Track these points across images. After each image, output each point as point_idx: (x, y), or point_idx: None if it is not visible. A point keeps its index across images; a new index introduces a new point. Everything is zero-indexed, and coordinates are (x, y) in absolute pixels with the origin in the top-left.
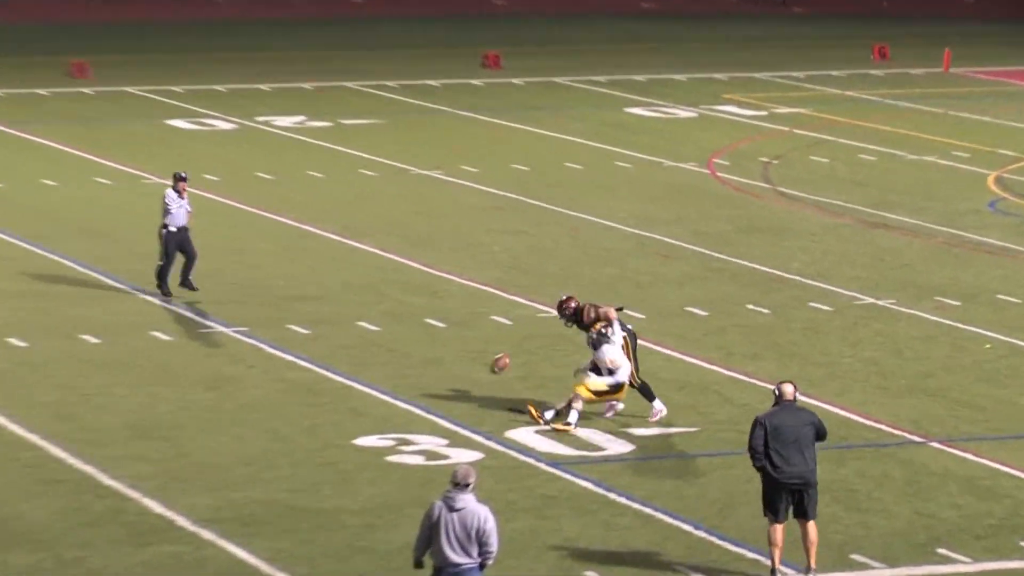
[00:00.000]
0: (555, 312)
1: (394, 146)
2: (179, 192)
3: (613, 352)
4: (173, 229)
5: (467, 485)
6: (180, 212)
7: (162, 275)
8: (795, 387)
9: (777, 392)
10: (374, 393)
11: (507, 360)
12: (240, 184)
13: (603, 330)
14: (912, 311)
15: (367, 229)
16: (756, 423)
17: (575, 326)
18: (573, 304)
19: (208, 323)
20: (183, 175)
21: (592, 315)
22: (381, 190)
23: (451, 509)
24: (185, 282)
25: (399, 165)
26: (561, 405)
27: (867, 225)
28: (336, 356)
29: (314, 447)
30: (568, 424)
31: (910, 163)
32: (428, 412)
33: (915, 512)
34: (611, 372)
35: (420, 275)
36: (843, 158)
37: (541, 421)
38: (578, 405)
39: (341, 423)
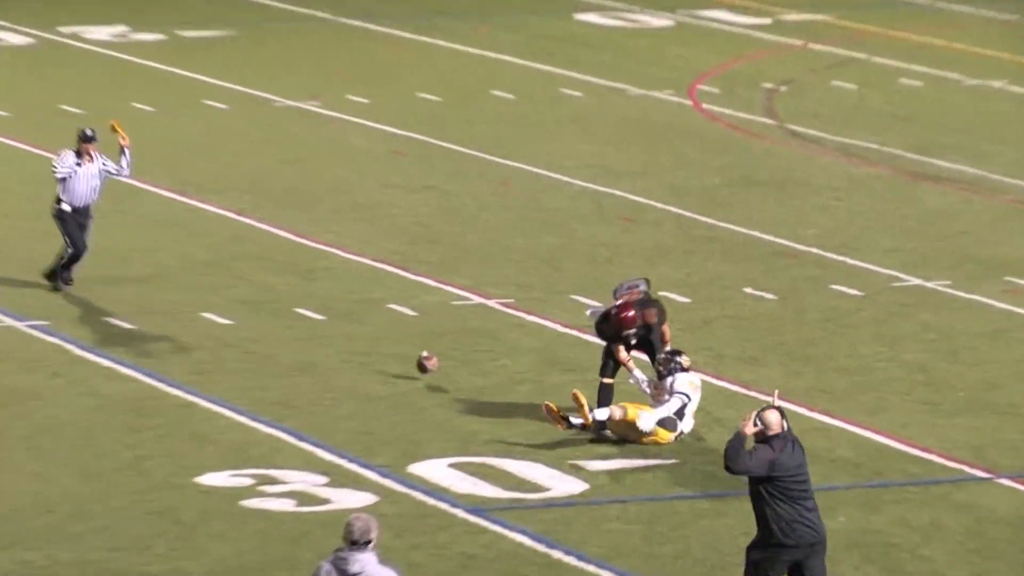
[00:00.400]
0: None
1: (252, 68)
2: (81, 156)
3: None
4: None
5: (367, 543)
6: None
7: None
8: (782, 415)
9: (760, 424)
10: (225, 412)
11: (435, 359)
12: (38, 121)
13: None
14: (973, 296)
15: (214, 184)
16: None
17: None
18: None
19: None
20: (90, 133)
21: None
22: (233, 129)
23: (343, 574)
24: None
25: (259, 94)
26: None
27: (910, 177)
28: (172, 361)
29: (141, 488)
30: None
31: (970, 91)
32: (299, 439)
33: (978, 575)
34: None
35: (288, 247)
36: (877, 84)
37: (562, 426)
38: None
39: (179, 454)
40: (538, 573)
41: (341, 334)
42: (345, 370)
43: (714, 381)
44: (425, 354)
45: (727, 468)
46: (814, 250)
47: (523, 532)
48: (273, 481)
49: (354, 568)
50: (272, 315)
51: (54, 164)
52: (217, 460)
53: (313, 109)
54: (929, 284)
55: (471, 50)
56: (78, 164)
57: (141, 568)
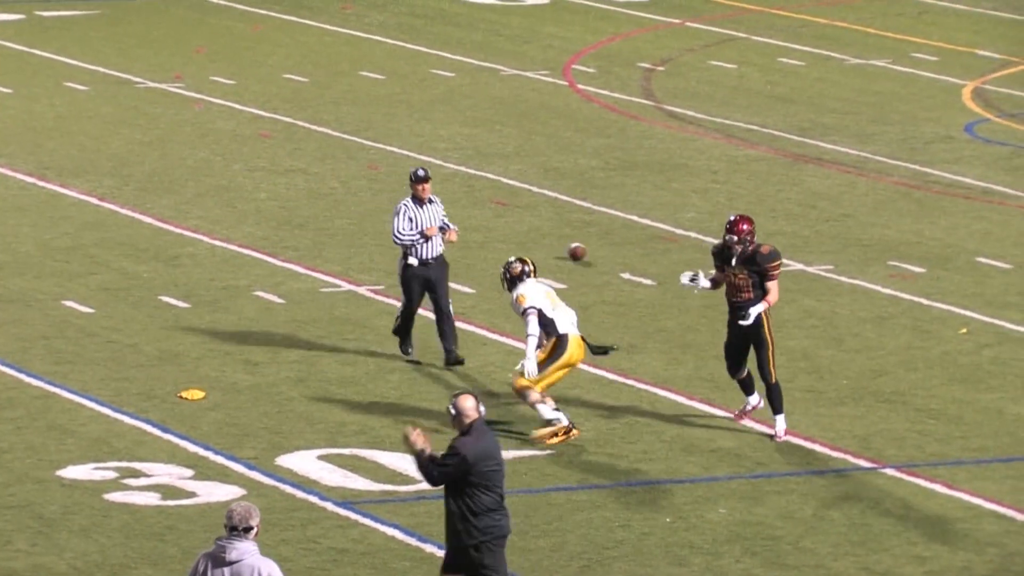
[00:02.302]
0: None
1: (112, 48)
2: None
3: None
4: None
5: (247, 529)
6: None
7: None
8: (478, 400)
9: (453, 411)
10: (86, 403)
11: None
12: None
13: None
14: (857, 281)
15: (74, 167)
16: (456, 453)
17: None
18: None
19: None
20: (422, 172)
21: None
22: (94, 111)
23: (221, 563)
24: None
25: (119, 75)
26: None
27: (792, 158)
28: (30, 351)
29: (0, 482)
30: (559, 428)
31: (853, 69)
32: (164, 430)
33: (862, 568)
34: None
35: (151, 233)
36: (758, 62)
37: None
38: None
39: (40, 447)
40: (410, 567)
41: (206, 322)
42: (210, 359)
43: (591, 370)
44: (574, 245)
45: (431, 485)
46: (693, 234)
47: (395, 526)
48: (137, 474)
49: (231, 556)
50: (135, 303)
51: (398, 231)
52: (79, 453)
53: (175, 90)
54: (812, 269)
55: (338, 29)
56: (419, 209)
57: (1, 564)
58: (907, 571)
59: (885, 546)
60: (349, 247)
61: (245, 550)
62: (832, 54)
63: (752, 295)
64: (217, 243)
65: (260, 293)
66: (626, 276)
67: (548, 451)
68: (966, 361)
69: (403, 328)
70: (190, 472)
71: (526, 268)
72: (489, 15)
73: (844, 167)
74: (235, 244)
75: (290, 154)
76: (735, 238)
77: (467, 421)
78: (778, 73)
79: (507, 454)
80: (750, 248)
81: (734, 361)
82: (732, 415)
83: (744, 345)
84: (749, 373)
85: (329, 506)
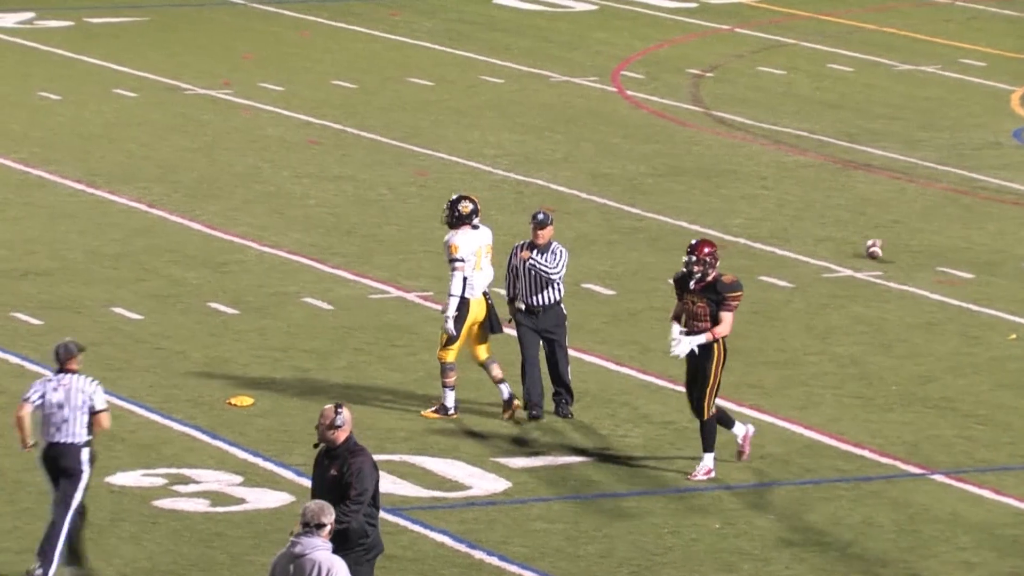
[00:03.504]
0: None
1: (161, 54)
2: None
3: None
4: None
5: (320, 526)
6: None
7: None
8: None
9: (341, 421)
10: (135, 410)
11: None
12: None
13: None
14: (905, 287)
15: (123, 174)
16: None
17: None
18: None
19: None
20: (542, 217)
21: None
22: (142, 117)
23: (291, 557)
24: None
25: (168, 81)
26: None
27: (841, 164)
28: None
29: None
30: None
31: (902, 75)
32: (213, 437)
33: (911, 574)
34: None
35: (199, 239)
36: (807, 68)
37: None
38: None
39: None
40: (459, 574)
41: (254, 329)
42: (259, 366)
43: (640, 376)
44: (871, 242)
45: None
46: (742, 240)
47: (444, 532)
48: (186, 481)
49: (297, 550)
50: (183, 310)
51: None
52: (128, 459)
53: (224, 97)
54: (860, 275)
55: (387, 35)
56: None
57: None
58: None
59: (934, 552)
60: (397, 253)
61: (313, 545)
62: (881, 60)
63: (709, 325)
64: (266, 249)
65: (308, 299)
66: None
67: (597, 457)
68: (1015, 367)
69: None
70: (239, 479)
71: (475, 210)
72: (538, 21)
73: (893, 173)
74: (283, 250)
75: (338, 161)
76: (694, 258)
77: (353, 434)
78: (827, 79)
79: (557, 459)
80: (711, 274)
81: (691, 397)
82: (741, 455)
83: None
84: (719, 408)
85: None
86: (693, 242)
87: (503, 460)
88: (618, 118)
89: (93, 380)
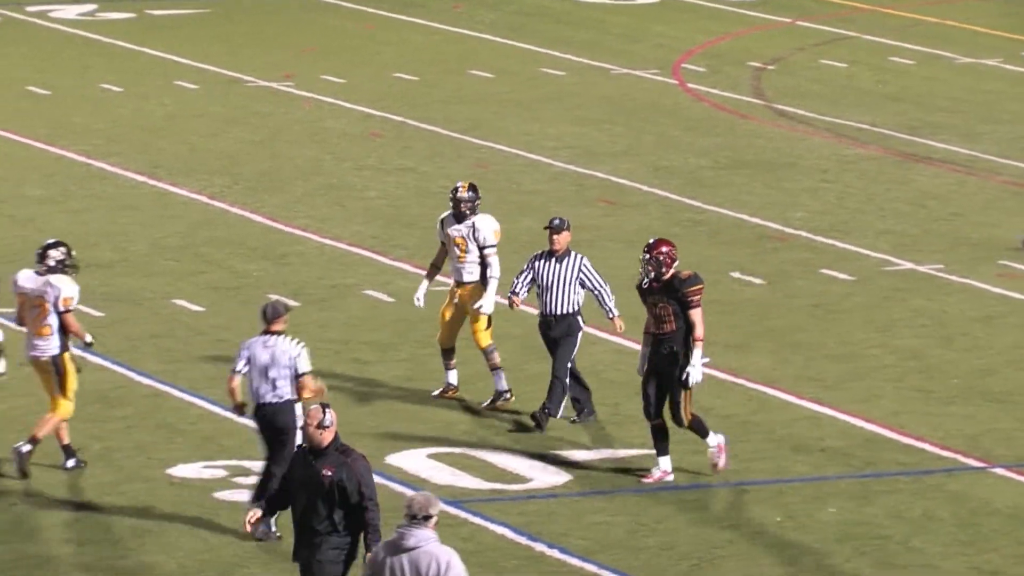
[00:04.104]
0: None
1: (223, 46)
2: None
3: None
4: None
5: (427, 517)
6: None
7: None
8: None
9: (329, 422)
10: (196, 402)
11: None
12: (1, 102)
13: None
14: (966, 280)
15: (184, 166)
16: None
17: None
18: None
19: None
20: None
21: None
22: (204, 109)
23: (399, 550)
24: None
25: (229, 73)
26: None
27: (902, 157)
28: (140, 349)
29: (110, 480)
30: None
31: (963, 68)
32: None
33: (972, 568)
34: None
35: (260, 231)
36: (868, 61)
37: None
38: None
39: (149, 446)
40: (520, 567)
41: (315, 321)
42: (319, 358)
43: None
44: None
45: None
46: (803, 233)
47: (504, 524)
48: (247, 472)
49: (410, 542)
50: (244, 301)
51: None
52: (189, 451)
53: (285, 89)
54: (922, 268)
55: (448, 28)
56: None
57: (111, 563)
58: (1017, 571)
59: (994, 545)
60: None
61: (424, 537)
62: (942, 53)
63: (675, 326)
64: (326, 242)
65: (369, 292)
66: (735, 275)
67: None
68: None
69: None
70: None
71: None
72: (598, 14)
73: (954, 166)
74: (344, 243)
75: (399, 153)
76: (647, 256)
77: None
78: (888, 72)
79: (617, 452)
80: (666, 272)
81: (653, 401)
82: (715, 467)
83: (667, 385)
84: (695, 416)
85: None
86: (651, 240)
87: (564, 453)
88: (679, 111)
89: (299, 343)
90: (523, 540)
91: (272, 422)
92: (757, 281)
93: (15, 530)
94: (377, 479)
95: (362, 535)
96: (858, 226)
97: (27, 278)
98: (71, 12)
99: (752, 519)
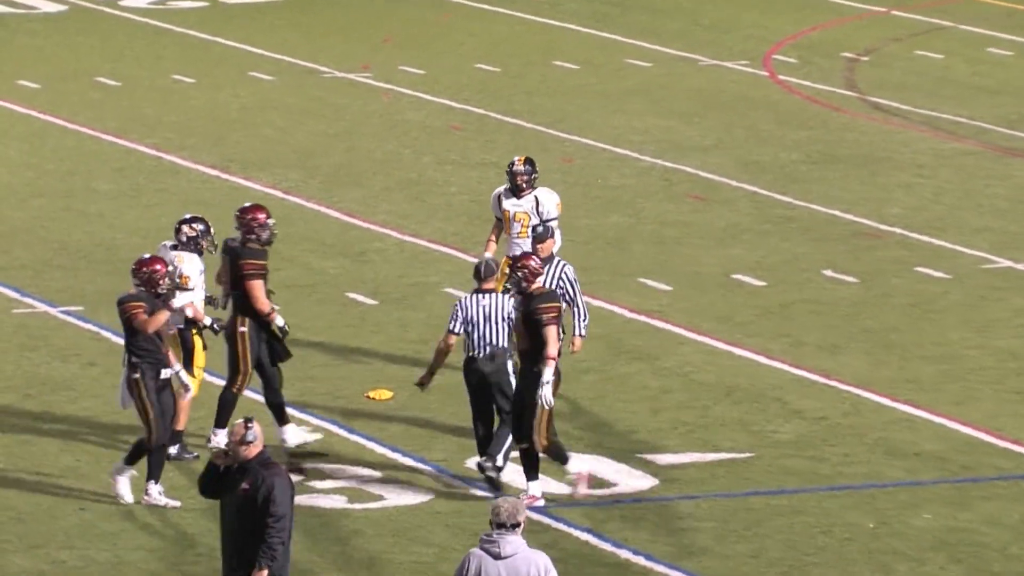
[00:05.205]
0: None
1: (299, 36)
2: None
3: None
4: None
5: (515, 525)
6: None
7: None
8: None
9: (252, 437)
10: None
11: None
12: (70, 94)
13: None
14: None
15: (258, 160)
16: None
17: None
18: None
19: (25, 299)
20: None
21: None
22: (279, 101)
23: (496, 557)
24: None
25: (305, 64)
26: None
27: (1000, 152)
28: (214, 350)
29: (183, 484)
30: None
31: None
32: (350, 432)
33: None
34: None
35: (337, 228)
36: (965, 53)
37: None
38: None
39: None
40: (604, 574)
41: (394, 320)
42: (398, 358)
43: (792, 370)
44: None
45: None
46: (898, 230)
47: (588, 530)
48: (323, 476)
49: (507, 550)
50: (320, 300)
51: None
52: None
53: (363, 80)
54: (1020, 266)
55: (531, 17)
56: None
57: (183, 568)
58: None
59: None
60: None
61: (519, 544)
62: None
63: (529, 345)
64: (406, 238)
65: (450, 290)
66: (828, 273)
67: (747, 454)
68: None
69: None
70: (378, 474)
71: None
72: (687, 3)
73: None
74: (424, 239)
75: (482, 147)
76: (511, 271)
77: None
78: (986, 63)
79: (705, 456)
80: (528, 287)
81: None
82: (573, 495)
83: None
84: (554, 441)
85: None
86: (517, 254)
87: (649, 456)
88: (770, 103)
89: (511, 297)
90: (607, 547)
91: (487, 377)
92: (850, 280)
93: (84, 534)
94: (458, 483)
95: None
96: (955, 223)
97: (161, 249)
98: (141, 0)
99: (844, 525)
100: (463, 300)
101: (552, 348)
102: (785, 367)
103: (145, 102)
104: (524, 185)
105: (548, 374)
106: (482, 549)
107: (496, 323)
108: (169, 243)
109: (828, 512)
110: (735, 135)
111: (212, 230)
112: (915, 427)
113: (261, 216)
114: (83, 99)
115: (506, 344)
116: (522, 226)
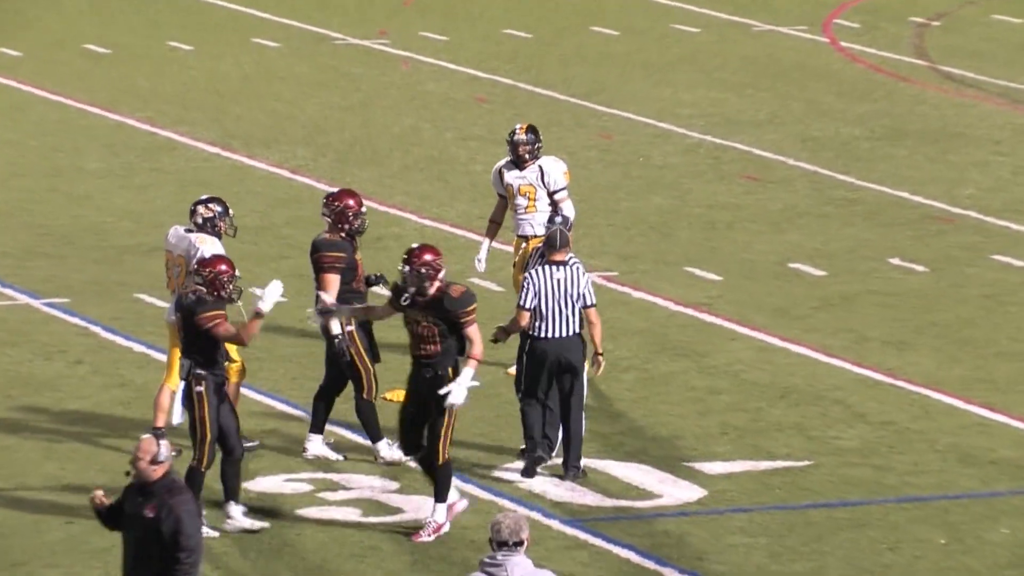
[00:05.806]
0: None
1: None
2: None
3: None
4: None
5: (518, 543)
6: None
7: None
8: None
9: (163, 455)
10: (276, 405)
11: None
12: (56, 63)
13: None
14: None
15: (263, 135)
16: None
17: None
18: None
19: (5, 290)
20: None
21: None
22: (286, 71)
23: None
24: None
25: (315, 30)
26: None
27: None
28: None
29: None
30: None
31: None
32: (365, 437)
33: None
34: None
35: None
36: None
37: None
38: None
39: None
40: None
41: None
42: None
43: (855, 369)
44: None
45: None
46: (972, 214)
47: (629, 547)
48: (334, 487)
49: (515, 572)
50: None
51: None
52: (269, 462)
53: (380, 48)
54: None
55: None
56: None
57: None
58: None
59: None
60: (577, 228)
61: (523, 564)
62: None
63: (440, 347)
64: (427, 222)
65: (475, 279)
66: (895, 262)
67: (805, 462)
68: None
69: None
70: (395, 485)
71: None
72: None
73: None
74: (447, 223)
75: (510, 120)
76: (407, 268)
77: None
78: None
79: (759, 464)
80: (430, 286)
81: (413, 435)
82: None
83: (428, 414)
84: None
85: (555, 524)
86: (413, 246)
87: (697, 465)
88: (830, 73)
89: (585, 273)
90: (651, 564)
91: (557, 357)
92: (920, 268)
93: (71, 550)
94: (485, 495)
95: None
96: None
97: (174, 234)
98: None
99: (913, 540)
100: (534, 272)
101: (479, 348)
102: (847, 366)
103: (138, 72)
104: (527, 156)
105: (469, 375)
106: (486, 572)
107: (571, 298)
108: (183, 228)
109: (895, 526)
110: (792, 109)
111: (231, 211)
112: (990, 432)
113: (353, 203)
114: (70, 68)
115: (579, 322)
116: (529, 200)
